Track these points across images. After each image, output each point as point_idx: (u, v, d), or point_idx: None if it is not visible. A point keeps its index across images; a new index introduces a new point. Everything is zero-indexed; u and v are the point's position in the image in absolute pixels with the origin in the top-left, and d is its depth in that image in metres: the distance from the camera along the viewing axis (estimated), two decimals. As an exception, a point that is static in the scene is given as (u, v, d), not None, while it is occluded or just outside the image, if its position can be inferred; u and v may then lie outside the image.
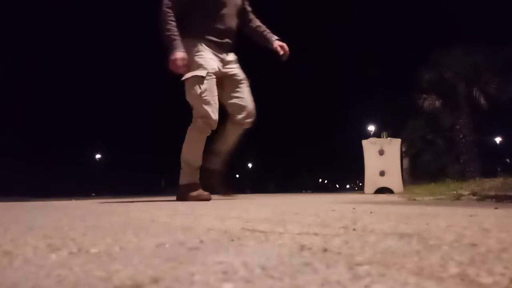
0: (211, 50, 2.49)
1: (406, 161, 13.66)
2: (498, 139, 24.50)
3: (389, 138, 6.14)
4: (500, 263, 0.38)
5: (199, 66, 2.40)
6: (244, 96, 2.60)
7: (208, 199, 2.43)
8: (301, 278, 0.33)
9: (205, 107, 2.37)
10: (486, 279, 0.32)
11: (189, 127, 2.47)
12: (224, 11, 2.54)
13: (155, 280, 0.33)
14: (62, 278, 0.35)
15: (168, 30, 2.39)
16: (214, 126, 2.46)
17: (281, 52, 2.66)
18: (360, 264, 0.39)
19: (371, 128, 23.16)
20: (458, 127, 15.55)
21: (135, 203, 2.43)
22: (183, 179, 2.51)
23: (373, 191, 5.72)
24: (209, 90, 2.39)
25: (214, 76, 2.43)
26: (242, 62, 2.74)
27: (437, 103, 16.14)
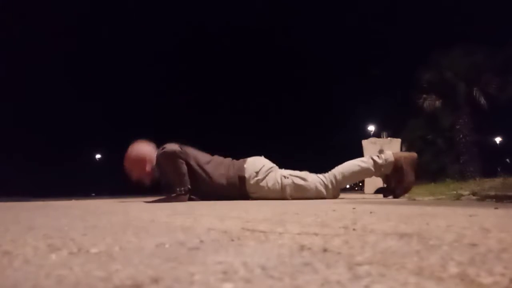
0: None
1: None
2: (498, 139, 24.50)
3: (389, 138, 6.15)
4: (500, 263, 0.38)
5: None
6: None
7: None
8: (301, 278, 0.33)
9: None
10: (486, 279, 0.32)
11: None
12: None
13: (155, 280, 0.33)
14: (62, 278, 0.35)
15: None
16: None
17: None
18: (360, 264, 0.39)
19: (371, 128, 23.19)
20: (458, 127, 15.56)
21: (135, 203, 2.43)
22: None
23: (373, 191, 5.72)
24: None
25: None
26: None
27: (437, 103, 16.16)
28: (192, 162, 2.56)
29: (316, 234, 0.62)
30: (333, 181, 2.59)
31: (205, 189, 2.58)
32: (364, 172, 2.64)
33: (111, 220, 1.00)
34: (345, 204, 1.77)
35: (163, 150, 2.50)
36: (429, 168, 14.78)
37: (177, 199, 2.34)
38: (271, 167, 2.64)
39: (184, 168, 2.45)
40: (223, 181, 2.57)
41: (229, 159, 2.73)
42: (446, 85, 15.61)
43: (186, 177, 2.43)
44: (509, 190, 2.18)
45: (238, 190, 2.57)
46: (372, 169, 2.59)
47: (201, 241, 0.57)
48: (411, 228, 0.69)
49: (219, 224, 0.83)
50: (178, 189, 2.37)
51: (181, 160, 2.45)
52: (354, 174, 2.62)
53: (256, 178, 2.56)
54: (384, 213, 1.06)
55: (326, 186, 2.58)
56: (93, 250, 0.50)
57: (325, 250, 0.47)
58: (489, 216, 0.94)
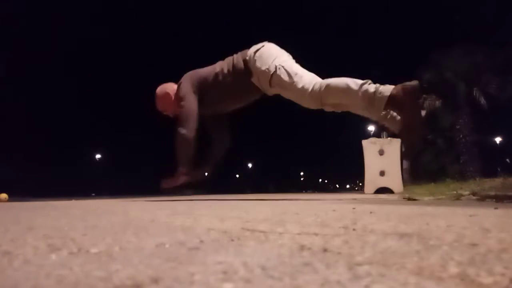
0: None
1: (406, 161, 13.67)
2: (498, 139, 24.50)
3: (389, 138, 6.14)
4: (500, 263, 0.38)
5: None
6: None
7: None
8: (301, 278, 0.33)
9: None
10: (486, 279, 0.32)
11: None
12: None
13: (155, 280, 0.33)
14: (62, 278, 0.35)
15: None
16: None
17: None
18: (360, 264, 0.39)
19: (371, 128, 23.16)
20: (458, 127, 15.55)
21: (135, 203, 2.43)
22: None
23: (373, 191, 5.72)
24: None
25: None
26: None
27: (437, 103, 16.14)
28: (207, 83, 2.64)
29: (316, 234, 0.62)
30: (317, 91, 2.29)
31: (219, 93, 2.64)
32: (349, 94, 2.17)
33: (111, 220, 1.00)
34: (345, 204, 1.77)
35: (178, 129, 2.65)
36: (429, 168, 14.77)
37: (177, 181, 2.59)
38: (273, 53, 2.49)
39: (188, 151, 2.63)
40: (230, 67, 2.58)
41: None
42: (446, 85, 15.60)
43: (186, 159, 2.62)
44: (509, 190, 2.17)
45: (245, 75, 2.52)
46: (360, 94, 2.11)
47: (201, 241, 0.57)
48: (411, 228, 0.69)
49: (219, 224, 0.83)
50: (180, 168, 2.60)
51: (185, 145, 2.61)
52: (338, 91, 2.22)
53: (254, 58, 2.49)
54: (384, 213, 1.06)
55: (311, 93, 2.31)
56: (93, 250, 0.50)
57: (325, 250, 0.47)
58: (489, 216, 0.94)
